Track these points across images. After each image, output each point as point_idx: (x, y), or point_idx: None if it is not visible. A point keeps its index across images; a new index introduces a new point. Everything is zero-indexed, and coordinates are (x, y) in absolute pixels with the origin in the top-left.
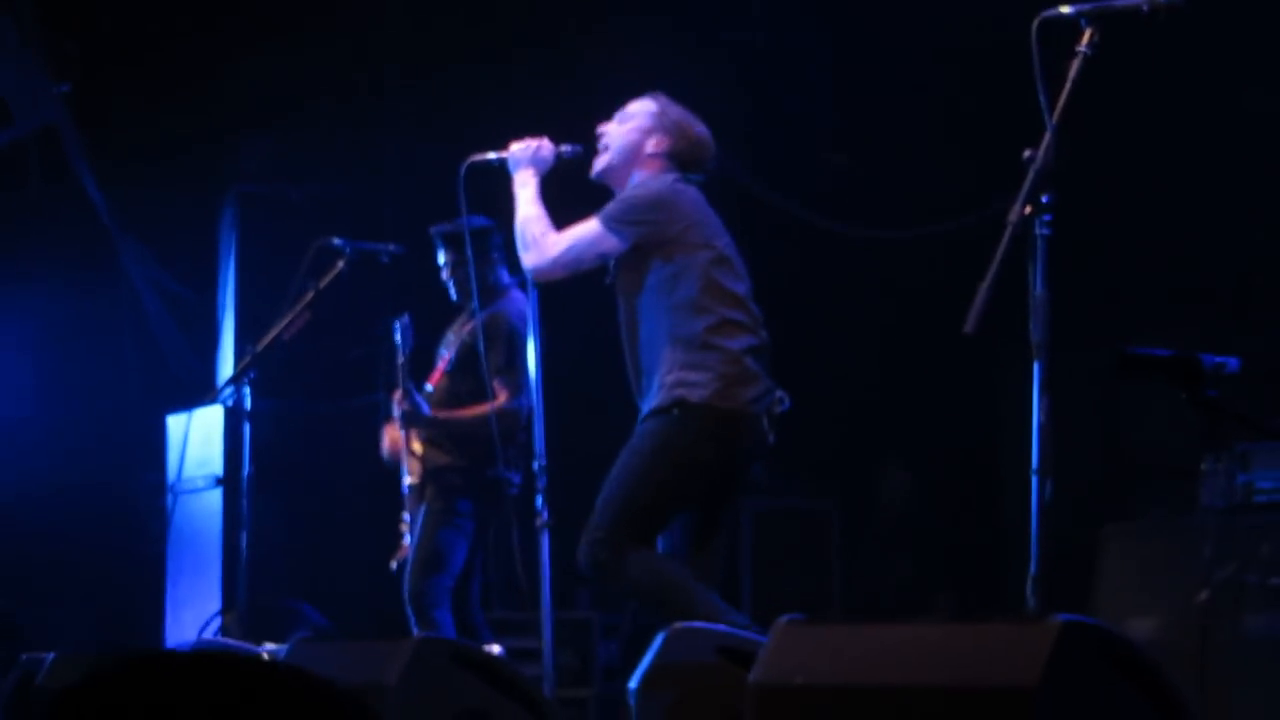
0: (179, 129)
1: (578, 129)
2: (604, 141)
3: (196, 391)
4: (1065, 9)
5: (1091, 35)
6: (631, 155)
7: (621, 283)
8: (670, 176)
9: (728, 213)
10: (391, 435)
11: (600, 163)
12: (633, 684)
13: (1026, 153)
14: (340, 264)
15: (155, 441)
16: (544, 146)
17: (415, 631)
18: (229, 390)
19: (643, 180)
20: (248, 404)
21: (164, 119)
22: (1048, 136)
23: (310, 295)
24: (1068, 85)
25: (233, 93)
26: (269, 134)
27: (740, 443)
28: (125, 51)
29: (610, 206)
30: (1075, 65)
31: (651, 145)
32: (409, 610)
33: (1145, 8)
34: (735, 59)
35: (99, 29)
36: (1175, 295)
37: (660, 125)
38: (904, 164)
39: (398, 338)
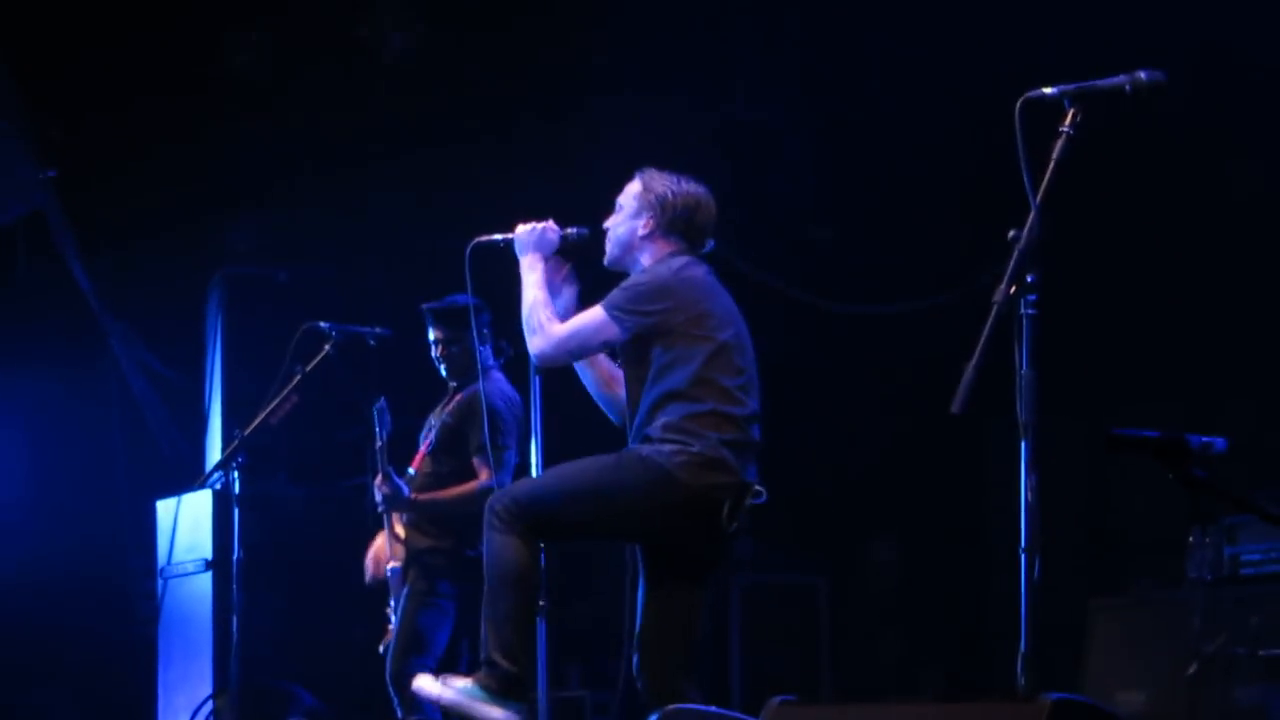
0: (165, 212)
1: (567, 208)
2: (609, 235)
3: (185, 476)
4: (1048, 90)
5: (1074, 115)
6: (629, 243)
7: (624, 358)
8: (677, 262)
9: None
10: (374, 553)
11: (607, 257)
12: None
13: (1011, 233)
14: (327, 347)
15: (145, 526)
16: (549, 229)
17: (399, 715)
18: (217, 474)
19: (649, 266)
20: (236, 488)
21: (150, 202)
22: (1032, 216)
23: (297, 378)
24: (1051, 165)
25: (218, 175)
26: (255, 216)
27: (686, 515)
28: (111, 136)
29: (614, 294)
30: (1059, 145)
31: (642, 228)
32: (391, 691)
33: (1128, 88)
34: (718, 135)
35: (84, 114)
36: (1161, 366)
37: (645, 205)
38: (890, 240)
39: (375, 422)
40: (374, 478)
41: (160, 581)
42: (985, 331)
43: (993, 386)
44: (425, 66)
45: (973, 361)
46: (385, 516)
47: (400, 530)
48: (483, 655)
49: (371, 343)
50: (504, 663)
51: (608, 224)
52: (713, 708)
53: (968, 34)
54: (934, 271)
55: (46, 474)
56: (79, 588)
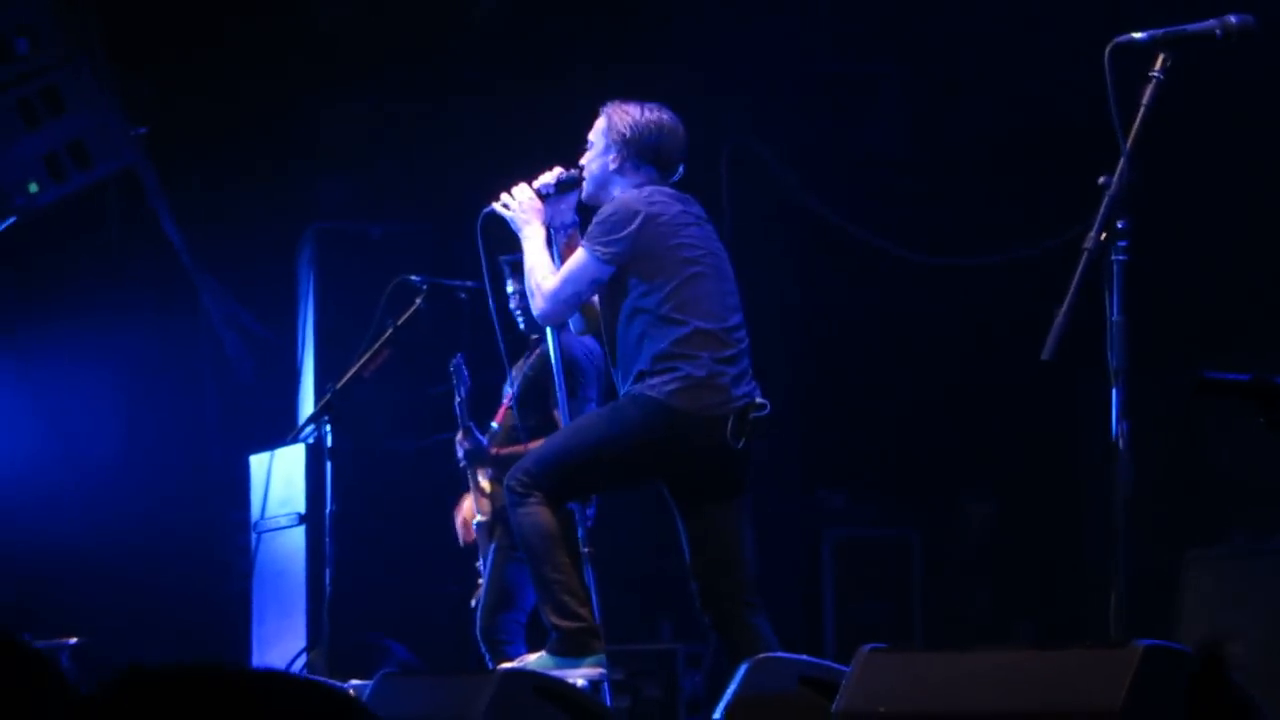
0: (257, 168)
1: None
2: (584, 173)
3: (278, 430)
4: (1138, 35)
5: (1164, 60)
6: (602, 180)
7: (602, 295)
8: (643, 191)
9: (810, 246)
10: (461, 515)
11: (584, 194)
12: (717, 715)
13: (1101, 179)
14: (418, 301)
15: (238, 481)
16: (527, 199)
17: (490, 668)
18: (310, 428)
19: (616, 197)
20: (329, 442)
21: (242, 158)
22: (1122, 162)
23: (389, 332)
24: (1141, 110)
25: (311, 131)
26: (347, 172)
27: (692, 441)
28: (202, 92)
29: (589, 230)
30: (1149, 90)
31: (612, 163)
32: (482, 647)
33: (1219, 32)
34: (808, 89)
35: (175, 70)
36: (1255, 312)
37: (610, 141)
38: (981, 191)
39: (454, 378)
40: (458, 433)
41: (253, 536)
42: (1075, 279)
43: (1084, 334)
44: (515, 21)
45: (1063, 308)
46: (470, 472)
47: (485, 485)
48: (546, 624)
49: (463, 296)
50: (565, 623)
51: (582, 161)
52: (803, 656)
53: None
54: (1025, 222)
55: (140, 431)
56: (173, 544)
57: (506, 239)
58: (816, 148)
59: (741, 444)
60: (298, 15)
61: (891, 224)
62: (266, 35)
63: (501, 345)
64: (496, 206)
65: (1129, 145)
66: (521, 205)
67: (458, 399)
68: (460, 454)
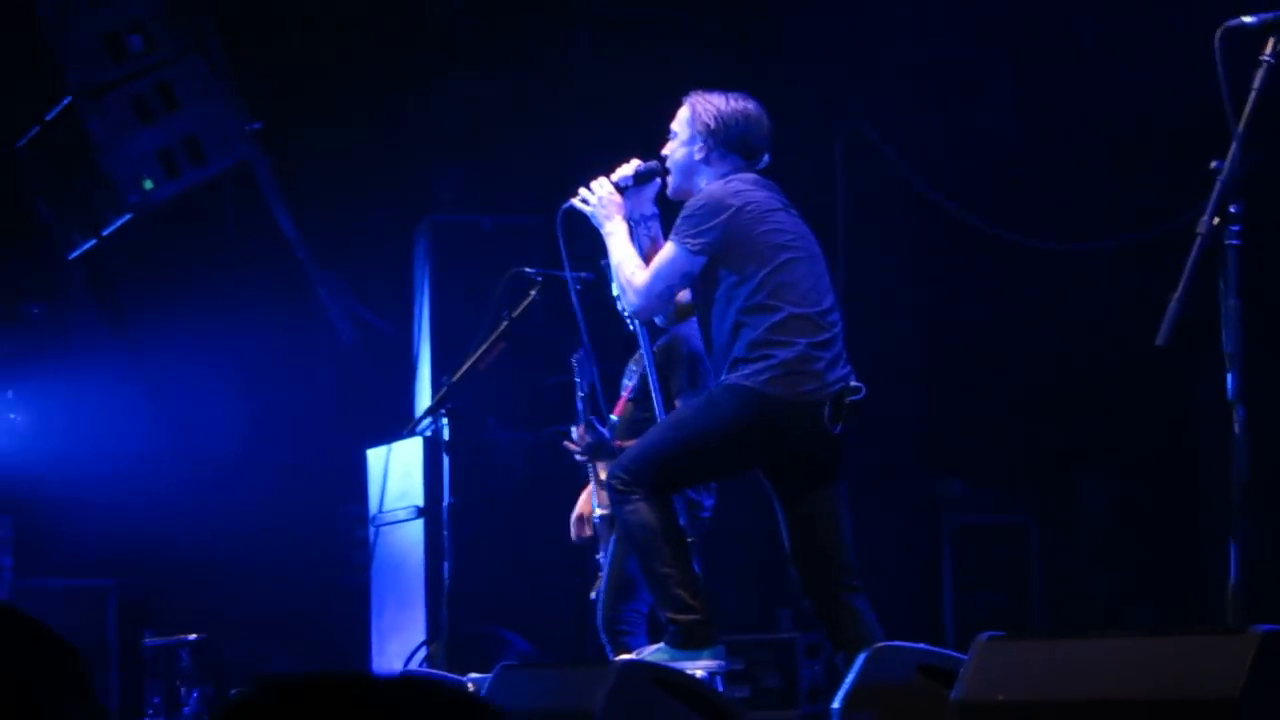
0: (371, 162)
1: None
2: (668, 163)
3: (395, 423)
4: (1248, 19)
5: (1275, 44)
6: (688, 168)
7: (694, 286)
8: (732, 182)
9: (925, 232)
10: (579, 514)
11: (670, 186)
12: (836, 704)
13: (1214, 163)
14: (533, 293)
15: (356, 475)
16: (607, 194)
17: (612, 660)
18: (427, 421)
19: (704, 188)
20: (446, 435)
21: (356, 152)
22: (1234, 146)
23: (505, 324)
24: (1253, 94)
25: (424, 124)
26: (461, 165)
27: (790, 428)
28: (315, 86)
29: (677, 223)
30: (1260, 74)
31: (698, 152)
32: (603, 638)
33: None
34: (920, 75)
35: (288, 65)
36: None
37: (695, 131)
38: (1094, 176)
39: (575, 372)
40: (577, 427)
41: (372, 529)
42: (1189, 264)
43: (1201, 320)
44: (627, 11)
45: (1177, 293)
46: (590, 465)
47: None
48: (662, 619)
49: (578, 288)
50: (681, 617)
51: (665, 151)
52: (921, 645)
53: None
54: (1139, 207)
55: (258, 426)
56: (291, 538)
57: (589, 234)
58: (929, 133)
59: (839, 429)
60: (411, 6)
61: (1006, 210)
62: (379, 27)
63: (644, 338)
64: (576, 202)
65: (1241, 129)
66: (601, 201)
67: (580, 393)
68: (579, 449)
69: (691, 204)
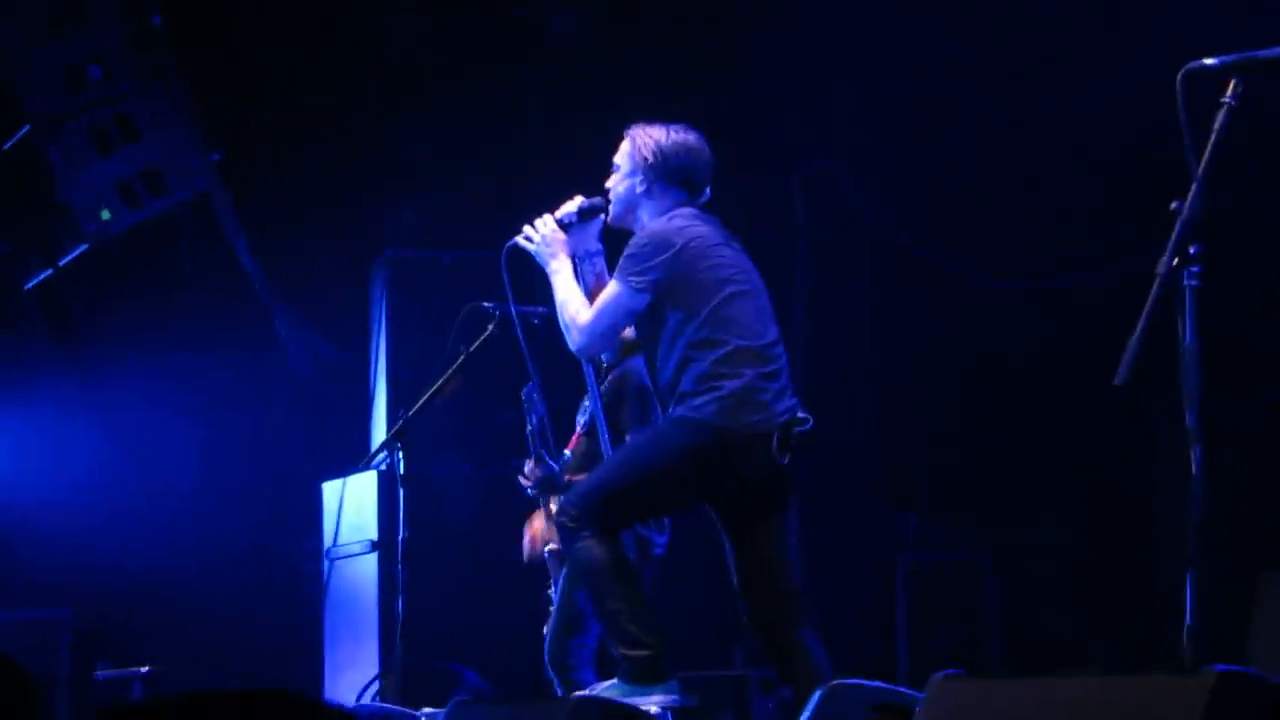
0: (330, 195)
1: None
2: (610, 196)
3: (350, 457)
4: (1209, 60)
5: (1236, 86)
6: (629, 203)
7: (640, 322)
8: (675, 220)
9: (884, 268)
10: (531, 532)
11: (611, 217)
12: None
13: (1174, 204)
14: (491, 327)
15: (311, 508)
16: (550, 232)
17: (560, 695)
18: (382, 455)
19: (646, 226)
20: (401, 469)
21: (315, 185)
22: (1194, 188)
23: (461, 359)
24: (1213, 136)
25: (384, 158)
26: (421, 199)
27: (738, 459)
28: (275, 119)
29: (621, 262)
30: (1220, 116)
31: (639, 186)
32: (551, 673)
33: None
34: (880, 111)
35: (248, 97)
36: None
37: (636, 165)
38: (1055, 215)
39: (525, 406)
40: (528, 462)
41: (326, 563)
42: (1148, 303)
43: (1158, 360)
44: (587, 45)
45: (1136, 333)
46: (541, 499)
47: None
48: (615, 655)
49: (535, 322)
50: (634, 653)
51: (608, 184)
52: (876, 683)
53: (1131, 4)
54: (1099, 246)
55: (214, 458)
56: (246, 571)
57: (534, 271)
58: (889, 170)
59: (786, 460)
60: (370, 42)
61: (966, 247)
62: (339, 62)
63: (590, 375)
64: (519, 240)
65: (1201, 171)
66: (545, 240)
67: (529, 427)
68: (530, 483)
69: (635, 242)
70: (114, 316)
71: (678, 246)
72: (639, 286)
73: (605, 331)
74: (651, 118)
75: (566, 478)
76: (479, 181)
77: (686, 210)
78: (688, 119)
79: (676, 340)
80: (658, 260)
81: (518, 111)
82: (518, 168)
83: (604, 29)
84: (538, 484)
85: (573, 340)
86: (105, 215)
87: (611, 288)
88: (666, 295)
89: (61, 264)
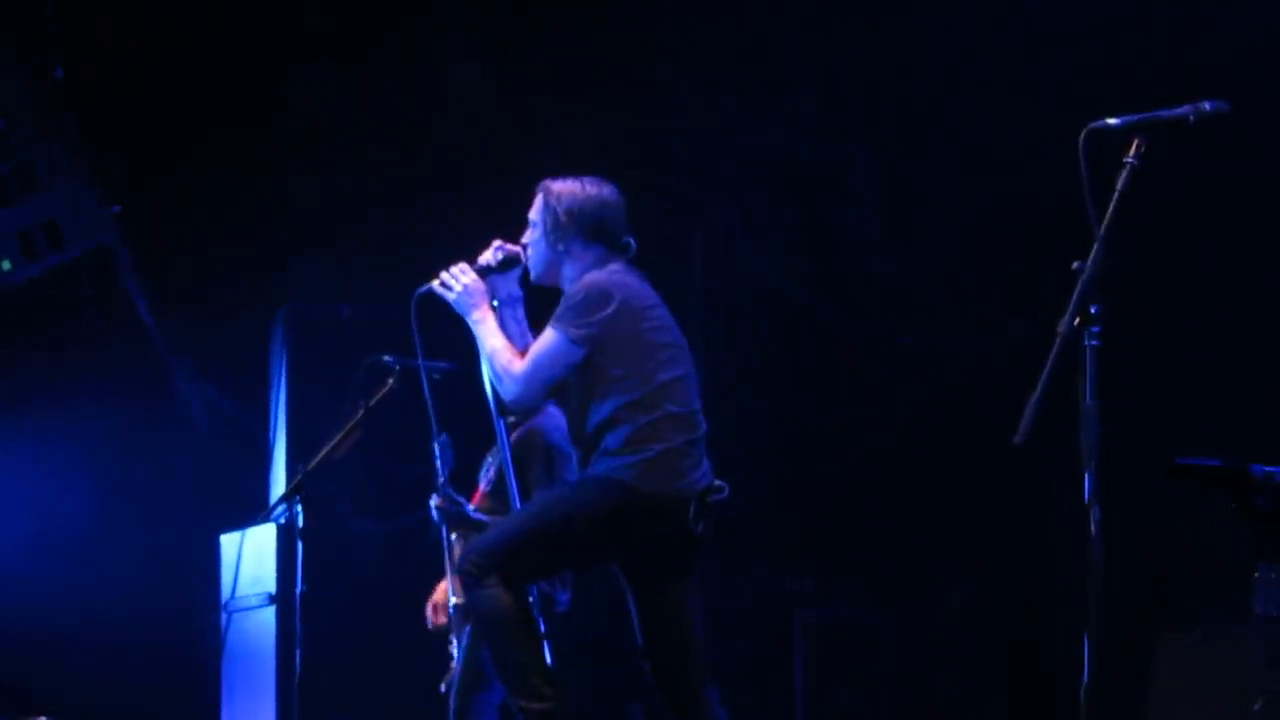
0: (229, 247)
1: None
2: (527, 253)
3: (249, 510)
4: (1112, 120)
5: (1139, 145)
6: (548, 259)
7: (574, 373)
8: (615, 274)
9: (781, 327)
10: (434, 603)
11: (532, 275)
12: None
13: (1075, 264)
14: (391, 381)
15: (208, 560)
16: (470, 281)
17: None
18: (281, 508)
19: (584, 277)
20: (300, 522)
21: (215, 239)
22: (1096, 247)
23: (361, 413)
24: (1115, 196)
25: (282, 211)
26: (320, 252)
27: (654, 523)
28: (175, 172)
29: (560, 313)
30: (1123, 176)
31: (559, 245)
32: None
33: (1191, 118)
34: (780, 172)
35: (148, 151)
36: (1230, 401)
37: (551, 224)
38: (954, 273)
39: (437, 458)
40: (436, 496)
41: (224, 615)
42: (1048, 363)
43: (1058, 420)
44: (490, 99)
45: (1035, 393)
46: (446, 547)
47: None
48: (514, 707)
49: (436, 377)
50: (533, 705)
51: (524, 240)
52: None
53: (1031, 65)
54: (999, 305)
55: (111, 511)
56: (144, 623)
57: (452, 319)
58: (789, 231)
59: (700, 528)
60: (271, 97)
61: (863, 306)
62: (240, 116)
63: (501, 430)
64: (435, 287)
65: (1103, 230)
66: (467, 289)
67: (440, 479)
68: (436, 516)
69: (575, 293)
70: (10, 367)
71: (618, 302)
72: (577, 339)
73: (546, 381)
74: (555, 168)
75: (474, 506)
76: (379, 234)
77: (619, 265)
78: (593, 168)
79: (607, 397)
80: (599, 315)
81: (416, 166)
82: (419, 222)
83: (506, 79)
84: (445, 516)
85: (506, 391)
86: (6, 265)
87: (549, 336)
88: (602, 350)
89: None
